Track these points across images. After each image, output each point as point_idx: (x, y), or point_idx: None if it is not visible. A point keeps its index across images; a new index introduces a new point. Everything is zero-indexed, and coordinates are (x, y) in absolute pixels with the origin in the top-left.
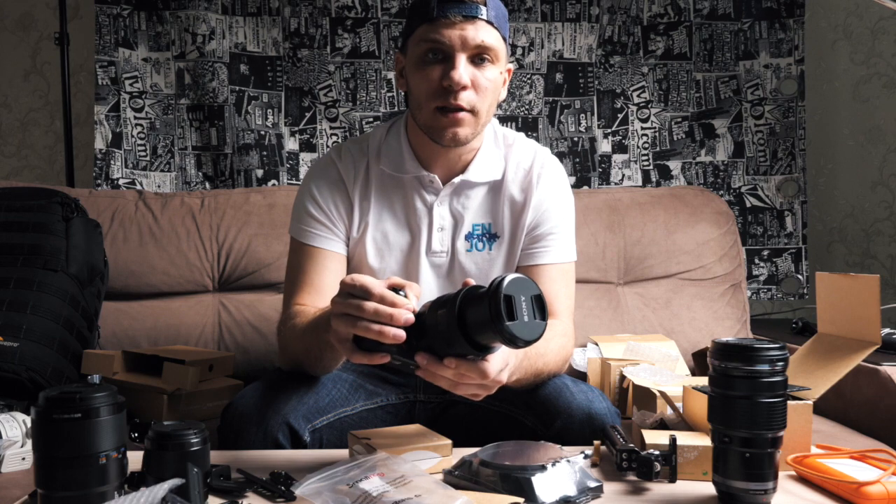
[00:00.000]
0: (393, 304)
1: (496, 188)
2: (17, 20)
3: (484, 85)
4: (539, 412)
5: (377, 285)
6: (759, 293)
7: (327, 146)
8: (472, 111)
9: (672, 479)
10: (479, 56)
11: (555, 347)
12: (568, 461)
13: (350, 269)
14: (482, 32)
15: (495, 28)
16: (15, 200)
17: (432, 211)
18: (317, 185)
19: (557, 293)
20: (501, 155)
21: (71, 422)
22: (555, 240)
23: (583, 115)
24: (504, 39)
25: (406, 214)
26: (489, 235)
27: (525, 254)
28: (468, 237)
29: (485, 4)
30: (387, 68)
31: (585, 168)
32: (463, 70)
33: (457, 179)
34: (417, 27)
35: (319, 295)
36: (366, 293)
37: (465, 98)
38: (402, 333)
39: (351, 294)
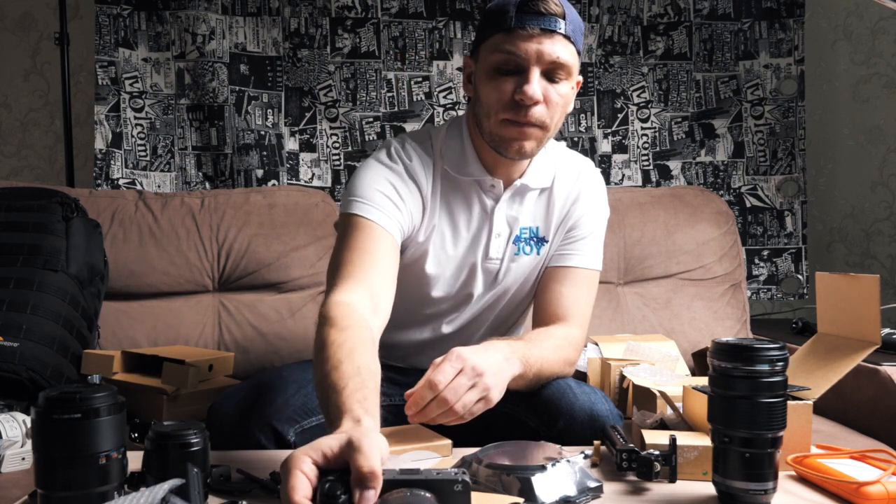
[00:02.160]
0: None
1: (546, 193)
2: (17, 20)
3: (555, 100)
4: (541, 412)
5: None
6: (759, 293)
7: (327, 146)
8: (541, 126)
9: (672, 479)
10: (553, 71)
11: (550, 347)
12: (568, 461)
13: (408, 273)
14: (558, 48)
15: (571, 42)
16: (15, 200)
17: (493, 216)
18: (387, 176)
19: (578, 298)
20: (551, 162)
21: (71, 422)
22: (586, 245)
23: (583, 115)
24: (578, 53)
25: (466, 218)
26: (537, 239)
27: (556, 255)
28: (516, 241)
29: (563, 18)
30: (386, 68)
31: None
32: (536, 85)
33: (518, 182)
34: (492, 35)
35: (362, 283)
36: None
37: (535, 113)
38: None
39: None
